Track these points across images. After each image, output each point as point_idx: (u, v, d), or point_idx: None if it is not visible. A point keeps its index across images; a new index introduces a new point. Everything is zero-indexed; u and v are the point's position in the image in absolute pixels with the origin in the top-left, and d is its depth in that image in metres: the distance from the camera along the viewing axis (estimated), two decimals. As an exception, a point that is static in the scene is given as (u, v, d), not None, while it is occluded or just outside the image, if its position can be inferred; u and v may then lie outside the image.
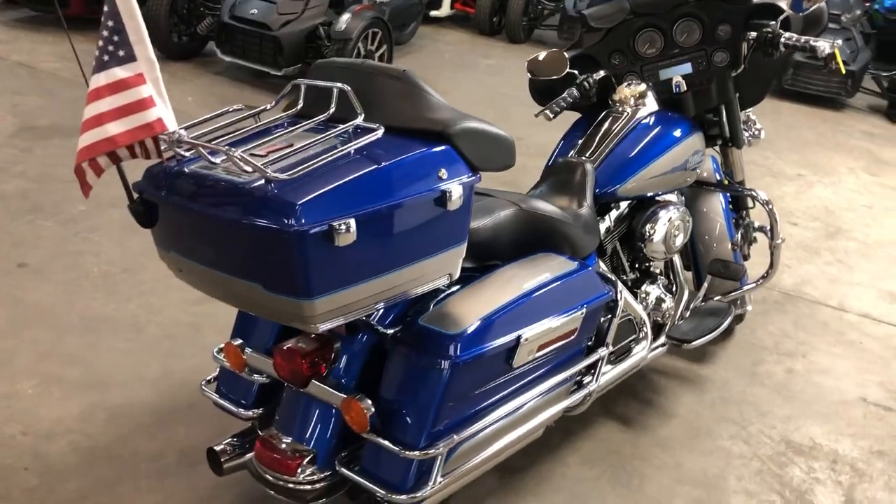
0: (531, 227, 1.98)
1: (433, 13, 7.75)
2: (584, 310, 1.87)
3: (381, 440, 1.62)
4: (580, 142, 2.46)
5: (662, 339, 2.51)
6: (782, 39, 2.39)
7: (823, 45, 2.33)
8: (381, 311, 1.71)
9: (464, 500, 2.07)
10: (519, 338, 1.70)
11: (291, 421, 1.79)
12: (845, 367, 3.04)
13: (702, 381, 2.82)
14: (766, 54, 2.45)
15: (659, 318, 2.51)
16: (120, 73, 1.40)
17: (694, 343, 2.51)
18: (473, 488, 2.06)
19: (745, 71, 2.59)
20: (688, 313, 2.65)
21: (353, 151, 1.47)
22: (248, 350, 1.88)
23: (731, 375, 2.88)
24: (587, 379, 2.05)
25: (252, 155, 1.42)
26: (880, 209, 4.81)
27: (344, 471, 1.68)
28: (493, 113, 5.51)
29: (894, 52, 7.04)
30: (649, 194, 2.42)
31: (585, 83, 2.52)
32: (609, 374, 2.19)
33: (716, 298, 2.76)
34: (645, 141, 2.39)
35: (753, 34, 2.47)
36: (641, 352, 2.34)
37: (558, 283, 1.83)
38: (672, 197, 2.54)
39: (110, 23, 1.39)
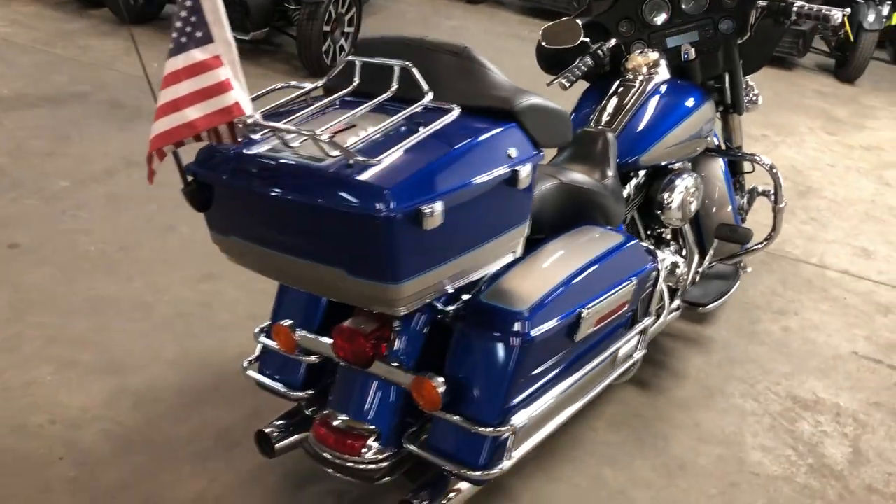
0: (571, 200, 2.00)
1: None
2: (634, 281, 1.90)
3: (453, 417, 1.63)
4: (596, 111, 2.47)
5: (677, 304, 2.57)
6: (794, 8, 2.44)
7: (836, 14, 2.38)
8: None
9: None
10: (580, 313, 1.72)
11: (350, 401, 1.78)
12: (834, 323, 3.18)
13: (707, 342, 2.91)
14: (777, 22, 2.50)
15: (672, 284, 2.56)
16: (198, 55, 1.34)
17: (709, 306, 2.59)
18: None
19: (749, 38, 2.63)
20: (698, 278, 2.72)
21: (433, 133, 1.45)
22: (298, 331, 1.86)
23: (732, 336, 2.98)
24: (632, 347, 2.08)
25: (333, 138, 1.39)
26: (842, 167, 5.00)
27: (414, 448, 1.69)
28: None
29: (842, 12, 7.23)
30: (666, 163, 2.46)
31: (600, 51, 2.53)
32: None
33: (722, 262, 2.84)
34: (663, 109, 2.42)
35: (763, 2, 2.51)
36: (664, 317, 2.40)
37: (610, 256, 1.86)
38: (683, 164, 2.59)
39: (188, 2, 1.32)
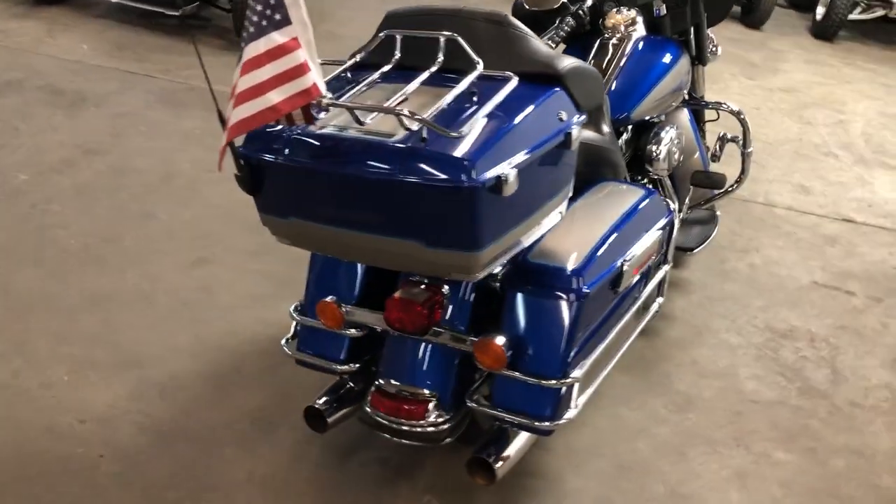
0: (588, 157, 2.09)
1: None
2: (659, 231, 2.02)
3: (519, 374, 1.71)
4: None
5: None
6: None
7: None
8: None
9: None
10: (623, 264, 1.83)
11: (407, 368, 1.84)
12: (791, 256, 3.41)
13: (685, 284, 3.09)
14: None
15: None
16: (278, 38, 1.34)
17: (696, 250, 2.75)
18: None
19: None
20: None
21: (499, 102, 1.50)
22: (345, 306, 1.89)
23: (705, 276, 3.16)
24: (655, 294, 2.19)
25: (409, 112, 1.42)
26: (766, 110, 5.28)
27: (482, 407, 1.76)
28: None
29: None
30: (650, 117, 2.58)
31: (581, 11, 2.61)
32: None
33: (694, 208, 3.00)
34: (647, 66, 2.54)
35: None
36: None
37: (638, 209, 1.96)
38: (662, 117, 2.72)
39: None
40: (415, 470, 2.09)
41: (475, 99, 1.53)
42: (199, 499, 1.97)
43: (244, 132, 1.40)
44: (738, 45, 6.73)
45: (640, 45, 2.59)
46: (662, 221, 2.07)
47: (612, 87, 2.48)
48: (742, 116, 2.95)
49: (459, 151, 1.41)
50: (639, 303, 2.01)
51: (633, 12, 2.64)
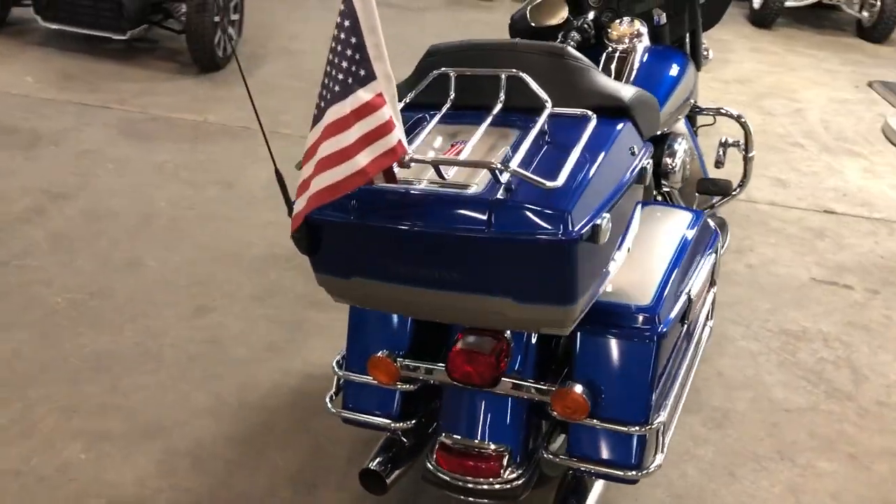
0: None
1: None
2: (713, 255, 1.97)
3: (600, 423, 1.64)
4: None
5: None
6: None
7: None
8: None
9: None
10: (689, 296, 1.77)
11: (472, 422, 1.74)
12: (786, 253, 3.44)
13: (693, 292, 3.07)
14: None
15: None
16: (363, 95, 1.22)
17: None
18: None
19: None
20: None
21: (584, 144, 1.42)
22: (400, 360, 1.78)
23: (710, 281, 3.15)
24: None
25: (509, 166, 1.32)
26: (726, 103, 5.29)
27: (560, 460, 1.68)
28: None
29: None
30: (667, 130, 2.54)
31: (585, 24, 2.55)
32: None
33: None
34: (659, 77, 2.49)
35: None
36: None
37: (693, 235, 1.91)
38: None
39: (352, 39, 1.19)
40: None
41: (550, 140, 1.45)
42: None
43: (330, 200, 1.28)
44: (685, 37, 6.81)
45: (648, 56, 2.54)
46: (714, 243, 2.03)
47: (627, 103, 2.42)
48: (743, 120, 2.94)
49: (555, 202, 1.32)
50: (699, 332, 1.96)
51: (637, 23, 2.59)
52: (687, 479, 2.21)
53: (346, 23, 1.19)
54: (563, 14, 2.50)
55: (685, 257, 1.84)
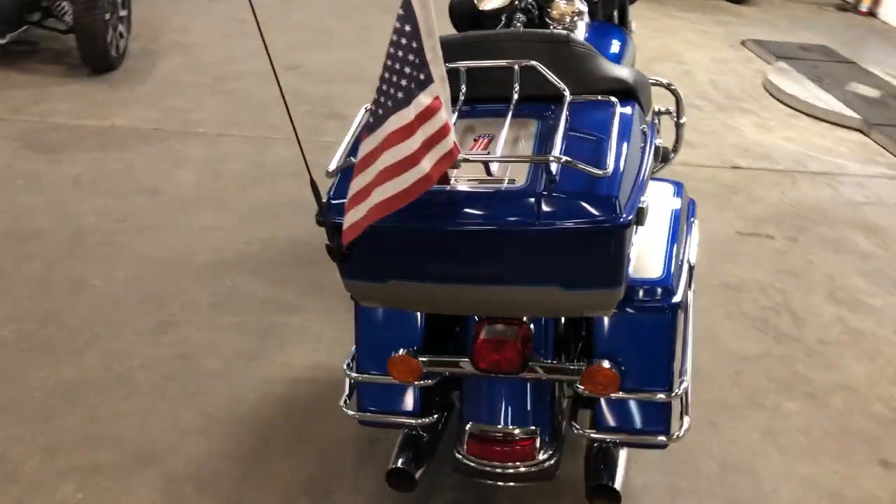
0: None
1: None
2: (696, 221, 2.08)
3: (629, 395, 1.70)
4: None
5: None
6: None
7: None
8: None
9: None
10: (690, 263, 1.86)
11: (501, 408, 1.77)
12: (709, 211, 3.65)
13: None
14: None
15: None
16: (424, 99, 1.20)
17: None
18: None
19: None
20: None
21: (616, 130, 1.46)
22: (421, 357, 1.78)
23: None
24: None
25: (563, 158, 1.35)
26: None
27: (590, 434, 1.74)
28: (280, 43, 5.17)
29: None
30: None
31: (528, 5, 2.58)
32: None
33: None
34: (607, 52, 2.56)
35: None
36: None
37: (679, 205, 2.00)
38: None
39: (413, 43, 1.17)
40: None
41: (577, 127, 1.48)
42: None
43: (398, 208, 1.26)
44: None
45: (591, 32, 2.61)
46: (693, 210, 2.13)
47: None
48: (672, 87, 3.08)
49: (602, 189, 1.36)
50: (692, 296, 2.06)
51: (576, 1, 2.65)
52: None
53: (407, 27, 1.17)
54: None
55: (679, 227, 1.93)
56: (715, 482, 2.15)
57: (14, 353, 2.42)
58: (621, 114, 1.54)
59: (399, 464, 1.84)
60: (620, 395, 1.71)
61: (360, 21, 5.83)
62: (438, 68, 1.22)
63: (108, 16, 4.24)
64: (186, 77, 4.58)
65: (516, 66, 1.55)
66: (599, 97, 1.55)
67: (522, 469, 1.75)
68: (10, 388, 2.29)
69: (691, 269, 1.87)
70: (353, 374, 1.87)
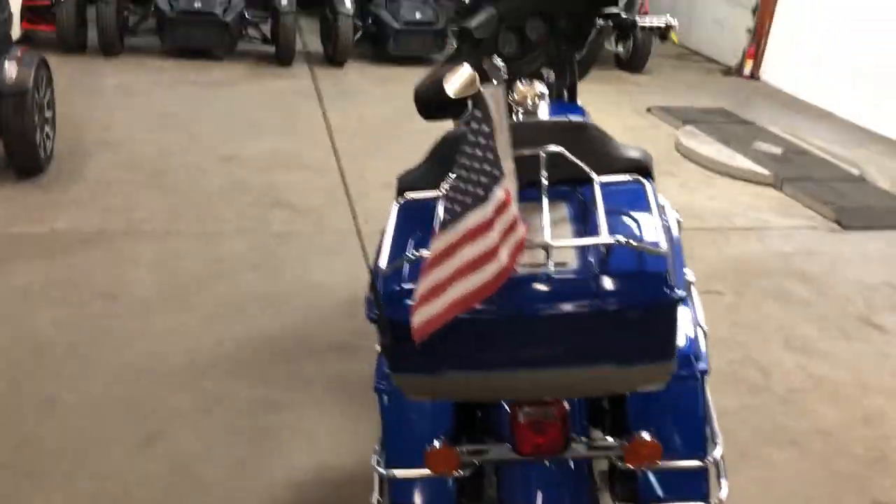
0: None
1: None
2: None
3: (673, 464, 1.75)
4: None
5: None
6: (638, 23, 2.88)
7: (670, 21, 2.87)
8: None
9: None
10: (705, 330, 1.95)
11: (544, 493, 1.78)
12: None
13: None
14: (624, 37, 2.91)
15: None
16: (500, 194, 1.25)
17: None
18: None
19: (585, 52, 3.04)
20: None
21: (654, 207, 1.54)
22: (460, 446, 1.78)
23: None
24: None
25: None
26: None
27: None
28: (206, 132, 5.12)
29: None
30: None
31: None
32: None
33: None
34: None
35: (607, 22, 2.90)
36: None
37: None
38: None
39: (490, 142, 1.21)
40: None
41: (610, 208, 1.56)
42: None
43: (477, 302, 1.28)
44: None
45: (553, 112, 2.74)
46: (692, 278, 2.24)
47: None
48: None
49: (654, 266, 1.43)
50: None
51: (536, 83, 2.78)
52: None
53: (484, 127, 1.22)
54: (477, 84, 2.62)
55: (689, 294, 2.02)
56: (731, 539, 2.22)
57: (-6, 484, 2.26)
58: (652, 192, 1.63)
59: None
60: (661, 464, 1.76)
61: (287, 109, 5.86)
62: (508, 162, 1.28)
63: (35, 118, 4.12)
64: (120, 175, 4.47)
65: (541, 153, 1.63)
66: (631, 177, 1.63)
67: (570, 550, 1.76)
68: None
69: (705, 334, 1.96)
70: (383, 471, 1.84)
